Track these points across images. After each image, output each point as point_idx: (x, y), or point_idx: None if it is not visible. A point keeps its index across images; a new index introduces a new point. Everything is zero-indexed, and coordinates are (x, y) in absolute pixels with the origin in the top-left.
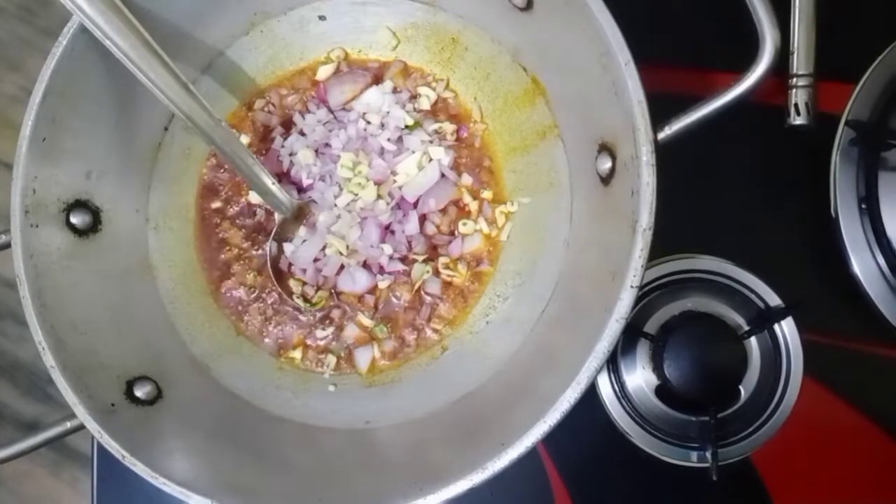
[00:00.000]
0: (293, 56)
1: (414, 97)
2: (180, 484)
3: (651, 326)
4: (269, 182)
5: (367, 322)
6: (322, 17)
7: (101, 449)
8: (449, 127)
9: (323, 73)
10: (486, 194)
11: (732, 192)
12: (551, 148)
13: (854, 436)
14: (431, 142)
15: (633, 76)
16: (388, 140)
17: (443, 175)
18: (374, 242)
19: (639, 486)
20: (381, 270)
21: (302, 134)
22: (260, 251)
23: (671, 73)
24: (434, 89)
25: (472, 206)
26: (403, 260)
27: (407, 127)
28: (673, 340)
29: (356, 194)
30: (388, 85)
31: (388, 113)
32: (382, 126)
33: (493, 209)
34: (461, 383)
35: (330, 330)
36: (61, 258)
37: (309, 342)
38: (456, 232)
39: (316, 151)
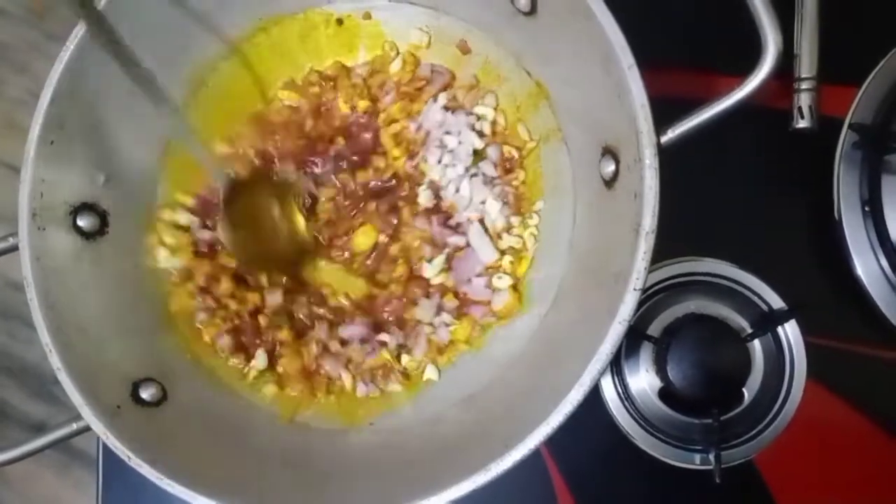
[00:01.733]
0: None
1: (470, 113)
2: (186, 485)
3: (654, 329)
4: None
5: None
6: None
7: (107, 450)
8: (513, 153)
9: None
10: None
11: (736, 194)
12: (555, 151)
13: (857, 438)
14: (494, 183)
15: (636, 80)
16: (463, 173)
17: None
18: None
19: (642, 488)
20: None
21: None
22: None
23: (674, 77)
24: (486, 105)
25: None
26: None
27: (475, 153)
28: (676, 343)
29: None
30: (443, 98)
31: (460, 134)
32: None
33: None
34: (465, 385)
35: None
36: (68, 261)
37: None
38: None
39: None
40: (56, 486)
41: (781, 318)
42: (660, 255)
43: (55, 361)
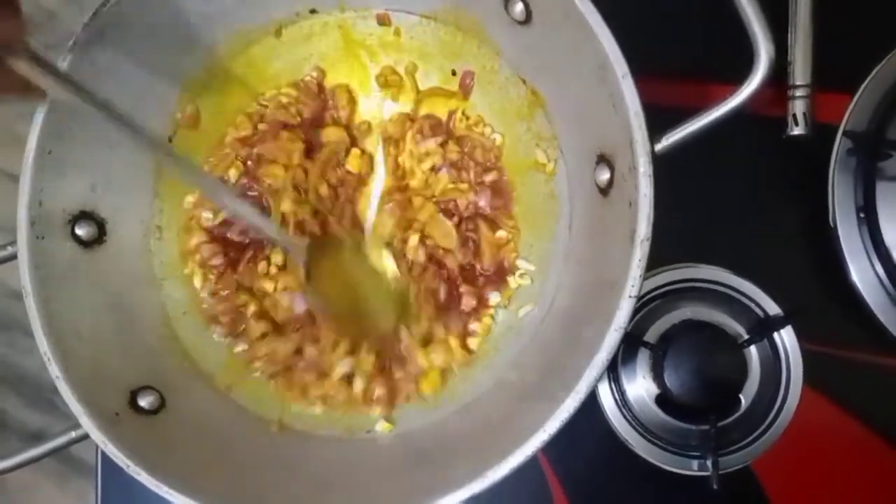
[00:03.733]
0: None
1: None
2: (185, 493)
3: (651, 335)
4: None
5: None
6: (313, 11)
7: (106, 458)
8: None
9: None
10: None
11: (731, 201)
12: (550, 160)
13: (854, 444)
14: None
15: (630, 89)
16: None
17: None
18: None
19: (639, 494)
20: None
21: None
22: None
23: (669, 86)
24: None
25: None
26: None
27: None
28: (673, 349)
29: None
30: None
31: None
32: None
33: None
34: (462, 393)
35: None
36: (67, 269)
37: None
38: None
39: None
40: (54, 495)
41: (777, 324)
42: (656, 262)
43: (54, 370)
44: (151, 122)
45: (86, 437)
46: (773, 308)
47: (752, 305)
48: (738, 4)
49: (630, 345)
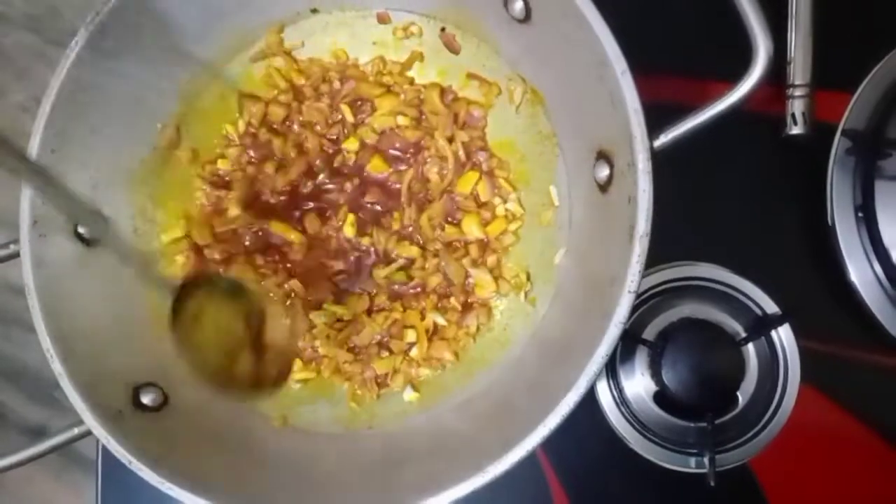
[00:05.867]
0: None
1: None
2: (187, 489)
3: (649, 333)
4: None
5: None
6: (314, 10)
7: (107, 453)
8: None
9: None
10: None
11: (731, 199)
12: (550, 157)
13: (851, 442)
14: None
15: (629, 86)
16: None
17: None
18: None
19: (637, 491)
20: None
21: None
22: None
23: (668, 83)
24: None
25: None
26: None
27: None
28: (671, 347)
29: None
30: None
31: None
32: None
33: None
34: (462, 389)
35: None
36: (69, 268)
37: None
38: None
39: None
40: (53, 488)
41: (775, 322)
42: (655, 260)
43: (57, 367)
44: (142, 127)
45: (88, 433)
46: (770, 306)
47: (750, 304)
48: (737, 2)
49: (629, 342)
